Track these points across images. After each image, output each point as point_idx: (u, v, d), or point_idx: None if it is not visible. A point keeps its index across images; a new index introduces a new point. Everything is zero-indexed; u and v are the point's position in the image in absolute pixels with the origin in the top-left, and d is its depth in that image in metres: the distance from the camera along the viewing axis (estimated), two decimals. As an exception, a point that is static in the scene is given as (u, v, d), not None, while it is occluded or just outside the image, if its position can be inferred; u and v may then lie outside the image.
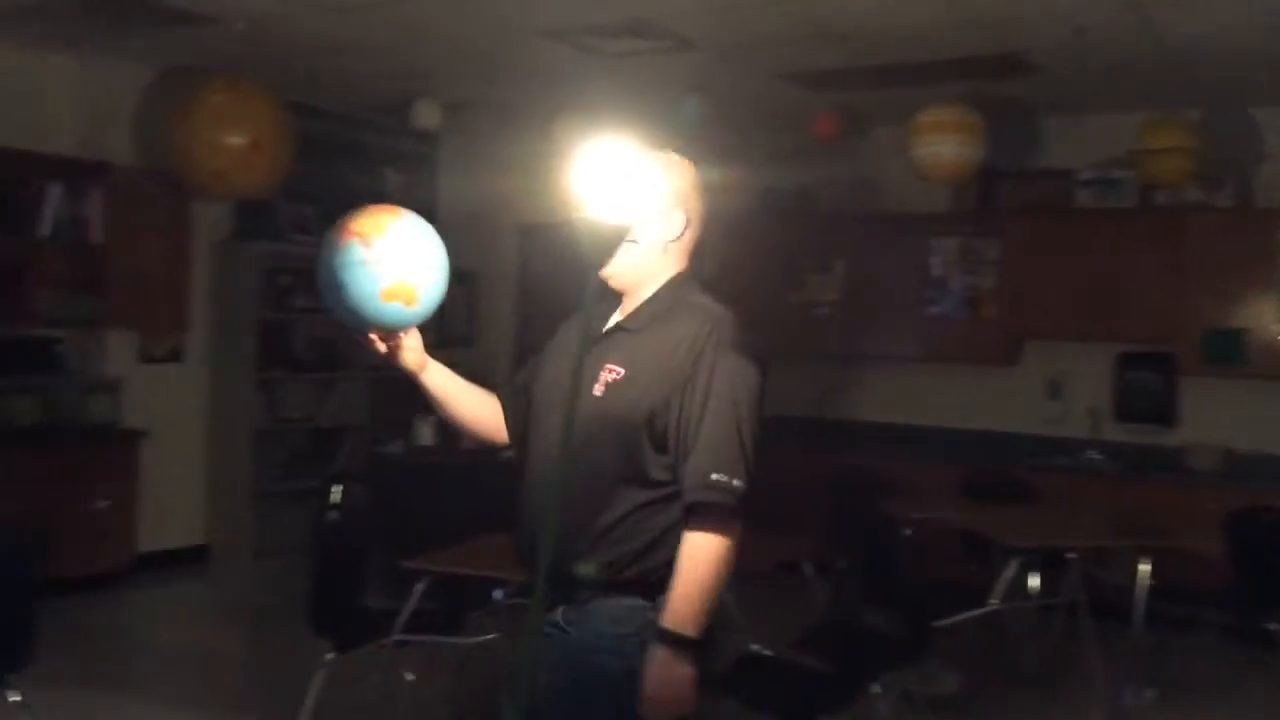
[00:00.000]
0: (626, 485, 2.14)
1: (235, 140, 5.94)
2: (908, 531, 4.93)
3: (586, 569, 2.02)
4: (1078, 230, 6.87)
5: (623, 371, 2.17)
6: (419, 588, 4.08)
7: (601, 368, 2.20)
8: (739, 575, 4.35)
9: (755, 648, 4.20)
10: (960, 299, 7.27)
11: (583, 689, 2.14)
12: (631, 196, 1.77)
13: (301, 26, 5.63)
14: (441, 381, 2.42)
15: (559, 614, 2.19)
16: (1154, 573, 4.96)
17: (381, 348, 2.27)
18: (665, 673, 2.04)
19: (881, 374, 7.72)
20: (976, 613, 5.05)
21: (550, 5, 5.18)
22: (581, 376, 2.06)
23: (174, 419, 6.92)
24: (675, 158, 2.26)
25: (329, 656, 4.06)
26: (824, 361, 7.83)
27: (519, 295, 9.34)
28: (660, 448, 2.14)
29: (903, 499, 5.78)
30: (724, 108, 6.73)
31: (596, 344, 2.26)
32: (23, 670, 3.51)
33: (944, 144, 6.11)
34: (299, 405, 7.56)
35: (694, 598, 2.07)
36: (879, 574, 4.43)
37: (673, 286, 2.27)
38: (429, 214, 8.20)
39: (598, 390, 2.16)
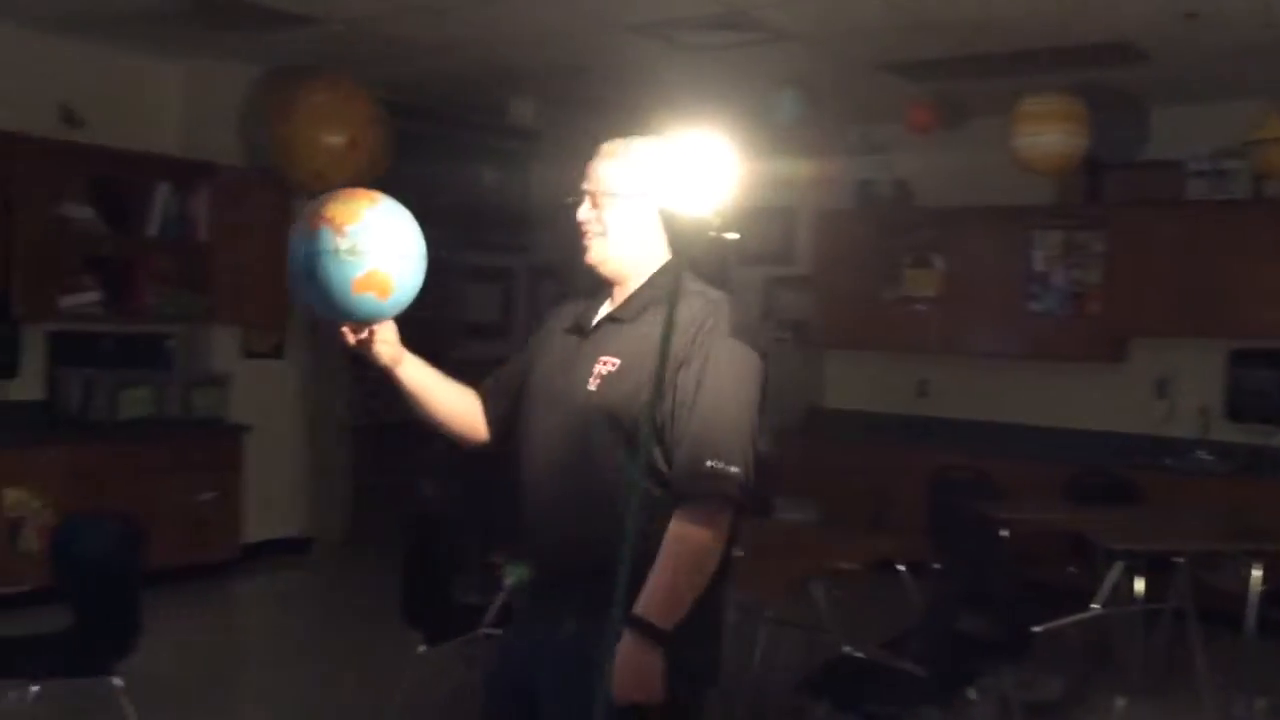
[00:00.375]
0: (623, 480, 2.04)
1: (334, 139, 6.04)
2: (1005, 533, 4.83)
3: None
4: (1187, 223, 6.62)
5: (618, 362, 2.09)
6: (509, 582, 4.10)
7: (595, 360, 2.13)
8: (831, 575, 4.32)
9: (847, 649, 4.13)
10: (1064, 294, 7.07)
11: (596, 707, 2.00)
12: (715, 188, 1.72)
13: (400, 27, 5.71)
14: (418, 376, 2.30)
15: (573, 626, 2.08)
16: (1266, 577, 4.76)
17: (352, 340, 2.15)
18: (632, 660, 1.93)
19: (981, 371, 7.55)
20: (1079, 617, 4.90)
21: (643, 0, 5.17)
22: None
23: (276, 413, 7.08)
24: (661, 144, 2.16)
25: (420, 649, 4.11)
26: (922, 358, 7.70)
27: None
28: (661, 440, 2.05)
29: (1003, 499, 5.66)
30: (820, 100, 6.64)
31: (589, 336, 2.21)
32: (127, 657, 3.62)
33: (1047, 134, 5.93)
34: (396, 399, 7.66)
35: (672, 588, 1.96)
36: (977, 575, 4.33)
37: (664, 274, 2.17)
38: (524, 210, 8.28)
39: (593, 384, 2.09)
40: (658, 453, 2.03)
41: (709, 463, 1.96)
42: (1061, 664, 5.13)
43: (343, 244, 1.93)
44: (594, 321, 2.23)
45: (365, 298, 1.98)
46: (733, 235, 1.72)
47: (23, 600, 4.34)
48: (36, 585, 5.45)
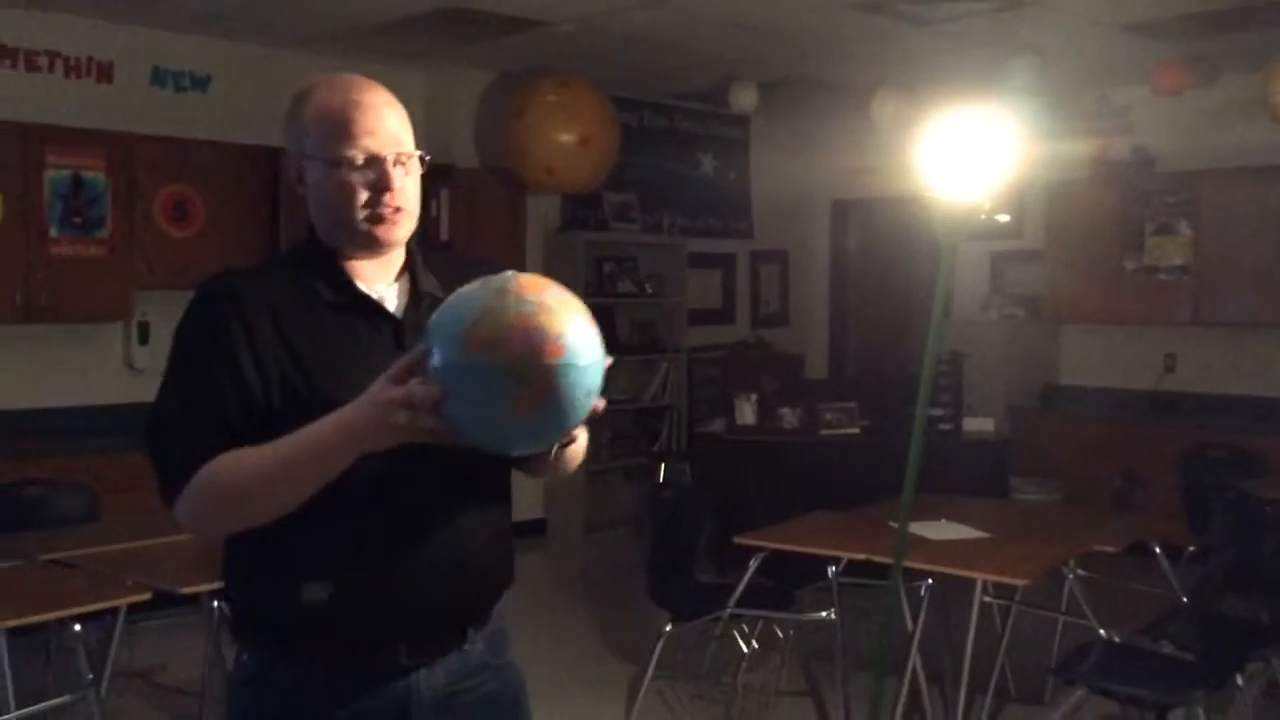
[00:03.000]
0: (505, 475, 1.80)
1: (566, 137, 6.25)
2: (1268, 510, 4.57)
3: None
4: None
5: None
6: (754, 563, 4.17)
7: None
8: (1082, 558, 4.20)
9: (1102, 633, 4.02)
10: (1328, 258, 6.60)
11: None
12: (984, 171, 1.72)
13: (624, 23, 5.85)
14: None
15: (479, 646, 1.76)
16: None
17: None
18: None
19: (1236, 342, 7.12)
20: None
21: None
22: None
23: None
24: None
25: (668, 628, 4.23)
26: (1168, 331, 7.33)
27: (832, 272, 9.31)
28: None
29: (1266, 478, 5.35)
30: (1055, 66, 6.39)
31: (408, 324, 1.68)
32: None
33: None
34: (623, 386, 7.87)
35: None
36: (1242, 557, 4.12)
37: (413, 241, 1.78)
38: (743, 194, 8.41)
39: None
40: None
41: None
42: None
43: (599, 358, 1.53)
44: (392, 303, 1.72)
45: None
46: (1003, 217, 1.71)
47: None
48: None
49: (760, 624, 4.57)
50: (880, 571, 4.07)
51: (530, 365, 1.39)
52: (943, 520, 4.22)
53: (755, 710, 4.44)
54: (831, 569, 4.03)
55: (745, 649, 4.58)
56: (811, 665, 4.79)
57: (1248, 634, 3.93)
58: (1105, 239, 7.32)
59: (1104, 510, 6.13)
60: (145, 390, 6.85)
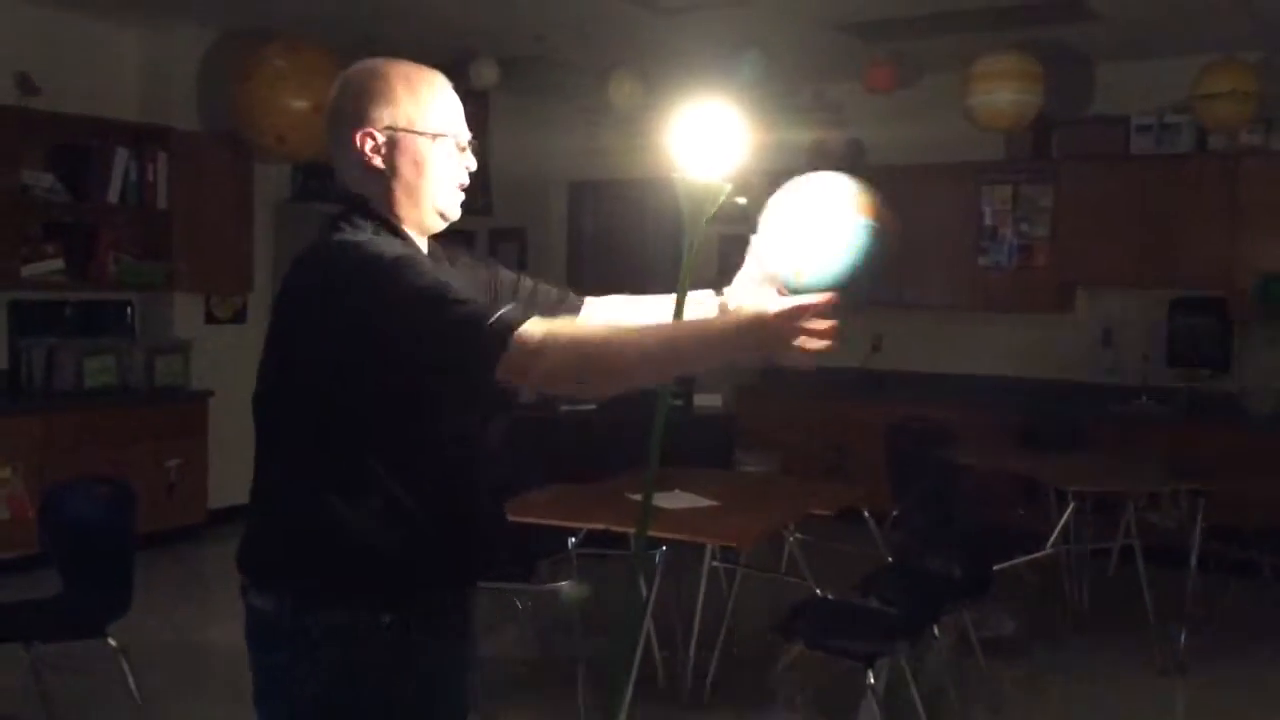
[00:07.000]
0: None
1: (296, 103, 6.02)
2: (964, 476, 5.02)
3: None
4: (1132, 177, 6.84)
5: None
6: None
7: None
8: (800, 523, 4.48)
9: (818, 591, 4.31)
10: (1012, 247, 7.28)
11: None
12: (729, 155, 1.83)
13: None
14: None
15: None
16: (1210, 516, 4.99)
17: None
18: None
19: (933, 324, 7.74)
20: (1034, 556, 5.14)
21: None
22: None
23: (239, 379, 7.04)
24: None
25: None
26: (875, 313, 7.86)
27: (569, 252, 9.44)
28: None
29: (958, 447, 5.85)
30: (777, 61, 6.73)
31: None
32: (120, 618, 3.69)
33: (1002, 92, 6.09)
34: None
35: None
36: (938, 519, 4.52)
37: None
38: (482, 171, 8.30)
39: None
40: None
41: None
42: (1015, 601, 5.35)
43: None
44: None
45: None
46: (742, 200, 1.83)
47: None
48: (7, 553, 5.49)
49: (497, 595, 4.62)
50: (616, 541, 4.21)
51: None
52: (676, 490, 4.39)
53: (494, 680, 4.48)
54: (571, 540, 4.13)
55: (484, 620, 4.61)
56: (549, 634, 4.89)
57: (943, 588, 4.30)
58: (822, 225, 7.76)
59: (818, 479, 6.56)
60: None
